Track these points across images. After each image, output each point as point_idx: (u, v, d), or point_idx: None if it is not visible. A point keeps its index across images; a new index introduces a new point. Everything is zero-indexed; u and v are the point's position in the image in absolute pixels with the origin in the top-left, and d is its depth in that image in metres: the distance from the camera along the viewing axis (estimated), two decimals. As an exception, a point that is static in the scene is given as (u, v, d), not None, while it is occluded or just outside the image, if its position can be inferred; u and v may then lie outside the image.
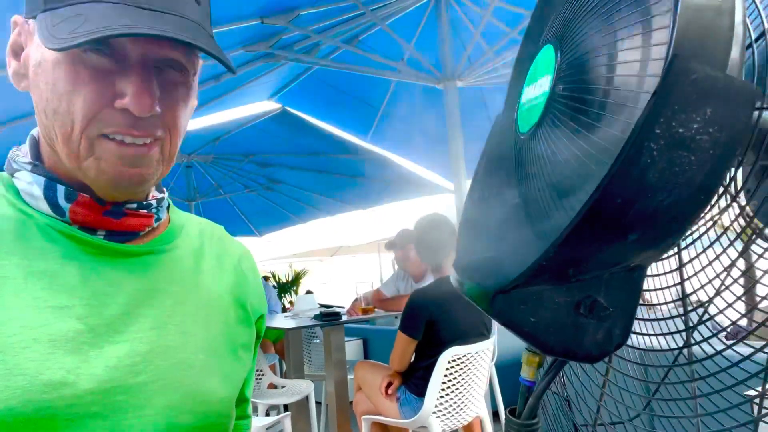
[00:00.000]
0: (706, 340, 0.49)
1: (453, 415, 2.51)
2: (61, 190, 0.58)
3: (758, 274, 0.47)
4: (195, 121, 5.11)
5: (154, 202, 0.63)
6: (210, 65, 3.64)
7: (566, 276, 0.42)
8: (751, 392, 0.44)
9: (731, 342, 0.46)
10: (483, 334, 2.57)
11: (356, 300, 3.71)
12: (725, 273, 0.48)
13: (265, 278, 9.32)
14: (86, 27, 0.49)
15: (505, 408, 0.55)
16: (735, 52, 0.36)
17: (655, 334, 0.52)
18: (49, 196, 0.58)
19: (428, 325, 2.47)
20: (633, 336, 0.59)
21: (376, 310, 3.60)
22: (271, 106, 5.37)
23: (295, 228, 8.34)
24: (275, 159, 6.34)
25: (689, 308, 0.50)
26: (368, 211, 7.38)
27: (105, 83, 0.54)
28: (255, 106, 5.36)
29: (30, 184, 0.58)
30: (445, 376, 2.44)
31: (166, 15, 0.53)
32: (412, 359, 2.65)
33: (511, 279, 0.42)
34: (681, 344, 0.53)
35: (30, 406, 0.49)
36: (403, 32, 3.91)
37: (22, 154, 0.61)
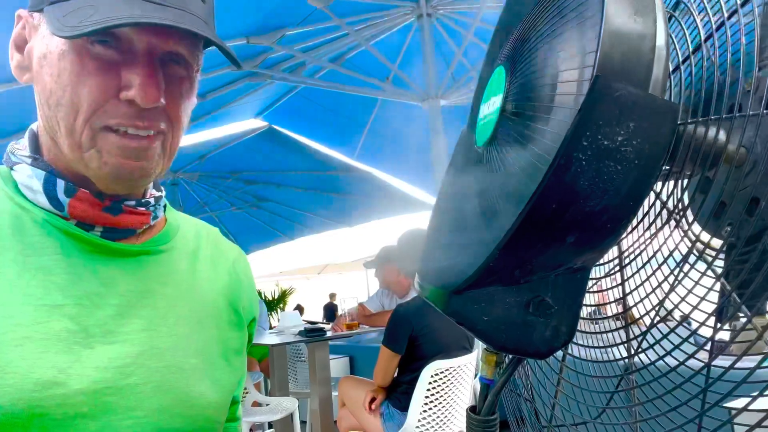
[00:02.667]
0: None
1: (437, 430, 2.52)
2: (60, 184, 0.58)
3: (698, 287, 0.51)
4: (181, 139, 5.12)
5: (152, 200, 0.64)
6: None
7: (514, 277, 0.45)
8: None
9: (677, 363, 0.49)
10: (465, 348, 2.59)
11: (341, 316, 3.72)
12: (667, 282, 0.52)
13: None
14: (96, 16, 0.50)
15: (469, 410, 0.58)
16: (657, 72, 0.40)
17: (602, 332, 0.56)
18: (49, 190, 0.58)
19: (411, 339, 2.50)
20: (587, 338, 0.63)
21: (360, 325, 3.62)
22: (258, 124, 5.42)
23: (282, 246, 8.34)
24: (261, 177, 6.37)
25: (630, 321, 0.53)
26: (355, 228, 7.42)
27: (110, 74, 0.54)
28: (241, 124, 5.42)
29: (29, 177, 0.58)
30: (428, 390, 2.46)
31: (173, 9, 0.54)
32: (396, 374, 2.67)
33: (463, 280, 0.46)
34: (628, 344, 0.57)
35: (20, 405, 0.50)
36: (388, 52, 3.98)
37: (21, 147, 0.61)
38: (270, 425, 3.57)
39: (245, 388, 3.50)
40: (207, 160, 5.81)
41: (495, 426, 0.56)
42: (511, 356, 0.55)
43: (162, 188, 0.68)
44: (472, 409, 0.57)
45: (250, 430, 3.40)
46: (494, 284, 0.46)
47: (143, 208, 0.62)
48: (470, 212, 0.54)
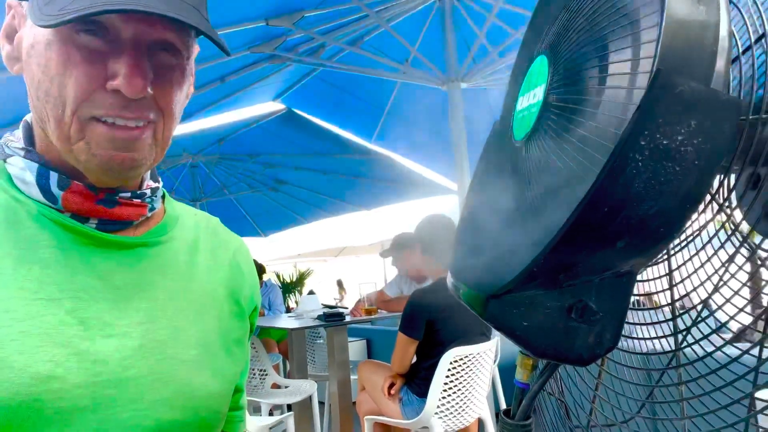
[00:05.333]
0: (696, 342, 0.50)
1: (455, 416, 2.52)
2: (53, 177, 0.57)
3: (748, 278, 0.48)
4: (200, 122, 5.13)
5: (148, 192, 0.63)
6: (214, 66, 3.66)
7: (557, 281, 0.43)
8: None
9: (720, 345, 0.47)
10: (483, 333, 2.58)
11: (359, 301, 3.72)
12: (716, 276, 0.49)
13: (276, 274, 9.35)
14: (75, 4, 0.49)
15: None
16: (720, 65, 0.37)
17: (644, 338, 0.53)
18: (42, 183, 0.57)
19: (428, 324, 2.48)
20: (629, 340, 0.60)
21: (379, 310, 3.61)
22: (276, 107, 5.39)
23: (300, 228, 8.36)
24: (280, 159, 6.36)
25: (679, 312, 0.51)
26: (372, 211, 7.40)
27: (97, 64, 0.53)
28: (260, 107, 5.39)
29: (22, 169, 0.58)
30: (447, 377, 2.45)
31: None
32: (414, 360, 2.66)
33: (503, 284, 0.43)
34: (674, 348, 0.54)
35: (17, 399, 0.49)
36: (408, 34, 3.92)
37: (15, 139, 0.61)
38: (289, 407, 3.61)
39: (264, 370, 3.53)
40: (226, 143, 5.81)
41: (530, 431, 0.54)
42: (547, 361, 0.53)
43: (159, 179, 0.67)
44: (506, 413, 0.55)
45: (270, 411, 3.43)
46: (535, 288, 0.44)
47: (139, 200, 0.61)
48: (508, 210, 0.52)
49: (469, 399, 2.55)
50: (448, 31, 3.63)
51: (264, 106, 5.39)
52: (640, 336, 0.55)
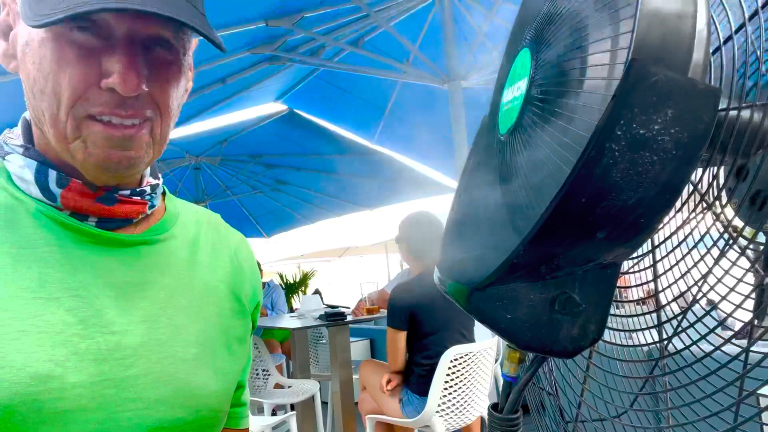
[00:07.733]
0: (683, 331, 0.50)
1: (457, 415, 2.52)
2: (52, 174, 0.57)
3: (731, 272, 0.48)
4: (202, 124, 5.15)
5: (148, 189, 0.63)
6: (215, 68, 3.67)
7: (539, 273, 0.43)
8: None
9: (703, 334, 0.47)
10: (465, 327, 2.63)
11: (361, 300, 3.72)
12: (702, 265, 0.49)
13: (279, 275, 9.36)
14: (65, 3, 0.48)
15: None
16: (698, 56, 0.37)
17: (631, 330, 0.53)
18: (41, 181, 0.57)
19: (411, 317, 2.56)
20: (617, 333, 0.60)
21: (381, 310, 3.62)
22: (278, 107, 5.41)
23: (303, 229, 8.39)
24: (282, 160, 6.39)
25: (663, 303, 0.51)
26: (375, 211, 7.41)
27: (91, 62, 0.53)
28: (261, 107, 5.42)
29: (21, 167, 0.58)
30: (448, 375, 2.45)
31: None
32: (407, 359, 2.68)
33: (485, 276, 0.43)
34: (657, 339, 0.54)
35: (16, 399, 0.49)
36: (408, 33, 3.92)
37: (14, 136, 0.61)
38: (292, 407, 3.61)
39: (267, 370, 3.54)
40: (228, 145, 5.84)
41: (518, 424, 0.54)
42: (534, 354, 0.53)
43: (159, 176, 0.66)
44: (494, 407, 0.55)
45: (273, 411, 3.44)
46: (518, 280, 0.44)
47: (138, 197, 0.61)
48: (493, 204, 0.52)
49: (470, 397, 2.55)
50: (448, 30, 3.63)
51: (265, 107, 5.42)
52: (623, 328, 0.55)
